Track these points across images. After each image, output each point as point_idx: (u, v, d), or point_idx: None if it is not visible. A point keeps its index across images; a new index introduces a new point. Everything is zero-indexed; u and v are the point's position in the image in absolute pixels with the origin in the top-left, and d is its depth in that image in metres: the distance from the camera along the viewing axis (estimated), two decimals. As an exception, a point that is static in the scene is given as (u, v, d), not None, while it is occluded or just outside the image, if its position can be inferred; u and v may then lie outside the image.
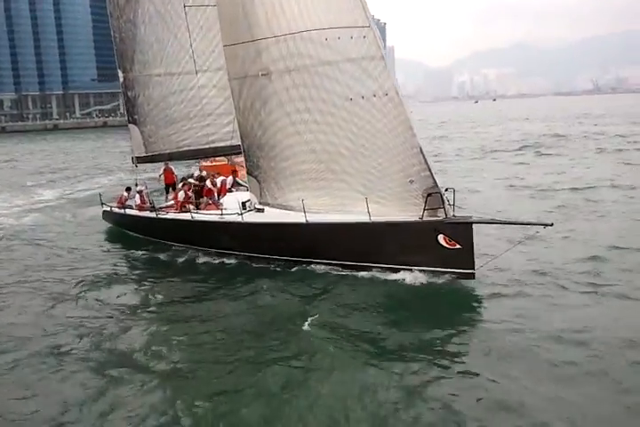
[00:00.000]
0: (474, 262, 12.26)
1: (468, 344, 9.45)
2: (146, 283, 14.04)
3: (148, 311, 11.93)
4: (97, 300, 12.38)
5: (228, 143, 17.07)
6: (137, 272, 15.11)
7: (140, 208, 18.47)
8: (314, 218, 13.71)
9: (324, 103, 13.29)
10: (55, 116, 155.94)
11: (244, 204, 16.33)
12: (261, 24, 13.69)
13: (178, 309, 11.99)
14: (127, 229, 19.20)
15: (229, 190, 17.90)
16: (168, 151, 18.49)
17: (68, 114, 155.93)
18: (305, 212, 13.68)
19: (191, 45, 16.81)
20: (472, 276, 12.27)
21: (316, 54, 13.15)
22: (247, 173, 15.69)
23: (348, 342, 9.54)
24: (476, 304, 11.57)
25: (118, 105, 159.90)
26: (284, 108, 14.03)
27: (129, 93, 18.44)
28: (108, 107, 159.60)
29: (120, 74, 18.31)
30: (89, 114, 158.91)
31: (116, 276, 14.51)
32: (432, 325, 10.46)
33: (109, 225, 20.39)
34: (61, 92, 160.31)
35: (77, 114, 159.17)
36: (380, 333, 9.91)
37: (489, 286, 12.05)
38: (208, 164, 29.78)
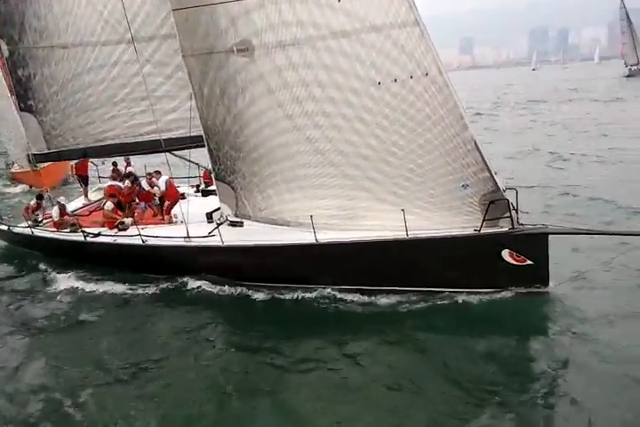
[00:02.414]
0: (548, 280, 9.66)
1: (544, 377, 7.60)
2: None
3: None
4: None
5: (174, 134, 12.60)
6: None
7: (58, 225, 13.58)
8: (326, 236, 10.24)
9: (337, 90, 9.50)
10: None
11: (210, 215, 12.32)
12: (237, -21, 9.40)
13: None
14: (40, 252, 14.23)
15: (182, 197, 13.55)
16: (82, 146, 13.51)
17: None
18: (314, 229, 10.16)
19: (105, 6, 11.84)
20: (546, 295, 9.71)
21: (325, 22, 9.19)
22: (216, 178, 11.57)
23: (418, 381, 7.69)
24: (548, 329, 9.06)
25: None
26: (275, 96, 10.02)
27: (19, 72, 12.99)
28: None
29: (3, 46, 12.78)
30: None
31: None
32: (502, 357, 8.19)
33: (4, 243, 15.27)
34: None
35: None
36: (446, 367, 8.01)
37: (565, 309, 9.50)
38: (18, 170, 24.03)
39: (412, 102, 9.20)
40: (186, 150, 13.57)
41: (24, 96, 13.33)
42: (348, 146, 9.83)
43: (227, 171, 11.31)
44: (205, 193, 13.85)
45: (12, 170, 25.02)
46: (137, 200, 13.78)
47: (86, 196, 16.45)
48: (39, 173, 22.32)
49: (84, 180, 16.53)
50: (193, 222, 11.84)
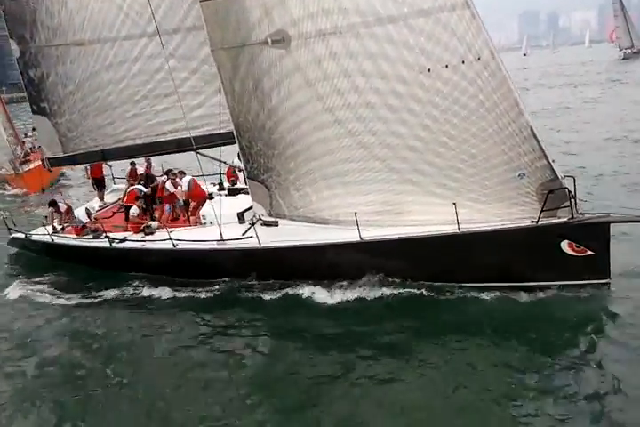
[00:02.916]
0: (609, 271, 9.27)
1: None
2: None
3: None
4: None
5: (201, 132, 12.11)
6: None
7: (80, 231, 13.06)
8: (370, 233, 9.83)
9: (383, 79, 9.05)
10: None
11: (241, 215, 11.87)
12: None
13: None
14: (62, 260, 13.66)
15: (210, 196, 13.05)
16: (100, 148, 12.99)
17: None
18: (358, 226, 9.74)
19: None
20: (607, 286, 9.34)
21: (370, 8, 8.73)
22: (248, 176, 11.12)
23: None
24: (610, 323, 8.71)
25: None
26: (314, 88, 9.57)
27: (31, 73, 12.44)
28: None
29: (14, 46, 12.26)
30: None
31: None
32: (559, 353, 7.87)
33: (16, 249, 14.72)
34: None
35: None
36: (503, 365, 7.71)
37: (625, 302, 9.14)
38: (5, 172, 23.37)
39: (465, 89, 8.77)
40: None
41: (37, 98, 12.80)
42: (395, 138, 9.40)
43: (260, 169, 10.86)
44: (232, 192, 13.37)
45: (1, 172, 24.45)
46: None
47: (102, 199, 15.97)
48: (22, 177, 21.74)
49: (99, 183, 16.03)
50: (223, 223, 11.41)
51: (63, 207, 13.85)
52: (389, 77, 8.98)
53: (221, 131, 11.49)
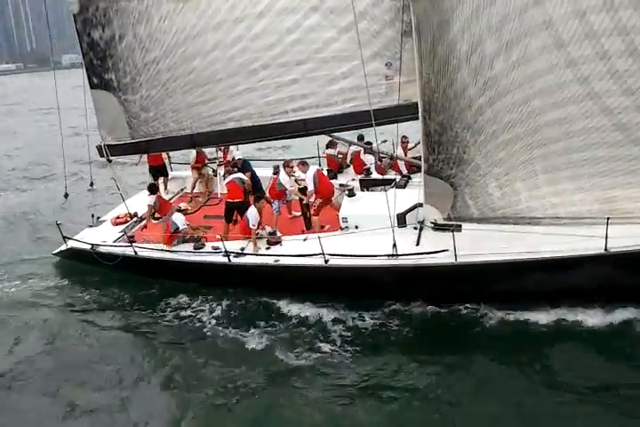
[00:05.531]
0: None
1: None
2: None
3: None
4: None
5: (338, 110, 9.73)
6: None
7: (169, 240, 10.36)
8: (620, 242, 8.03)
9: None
10: None
11: (403, 217, 9.72)
12: None
13: None
14: (151, 277, 10.81)
15: (351, 193, 10.63)
16: (189, 132, 10.25)
17: None
18: (607, 233, 7.92)
19: None
20: None
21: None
22: (428, 172, 8.93)
23: None
24: None
25: None
26: (567, 51, 7.50)
27: (95, 35, 9.51)
28: None
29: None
30: None
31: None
32: None
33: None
34: None
35: None
36: None
37: None
38: None
39: None
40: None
41: (100, 67, 9.91)
42: (673, 118, 7.55)
43: (448, 162, 8.73)
44: (366, 184, 11.17)
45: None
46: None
47: (165, 188, 13.24)
48: None
49: (160, 171, 13.15)
50: (371, 228, 9.35)
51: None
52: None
53: (372, 107, 9.11)
